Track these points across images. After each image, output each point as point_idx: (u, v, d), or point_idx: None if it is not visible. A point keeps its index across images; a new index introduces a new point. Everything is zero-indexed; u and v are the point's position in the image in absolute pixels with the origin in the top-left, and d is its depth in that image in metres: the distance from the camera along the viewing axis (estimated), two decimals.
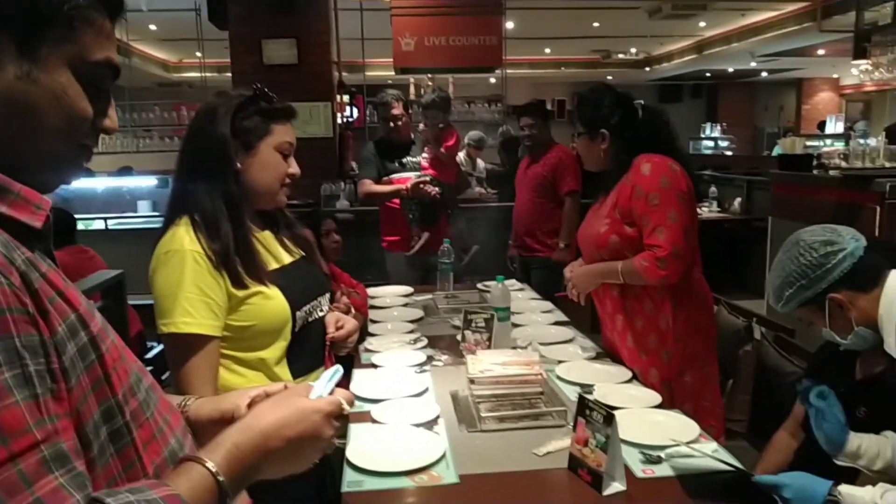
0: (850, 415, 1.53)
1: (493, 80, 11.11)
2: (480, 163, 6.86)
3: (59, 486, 0.61)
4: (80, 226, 4.46)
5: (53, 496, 0.60)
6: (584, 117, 2.24)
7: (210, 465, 0.76)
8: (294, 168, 1.61)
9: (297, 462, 0.87)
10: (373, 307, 2.96)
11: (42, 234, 0.71)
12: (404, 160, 3.94)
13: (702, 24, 10.22)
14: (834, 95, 15.31)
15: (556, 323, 2.70)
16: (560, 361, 2.19)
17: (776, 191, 5.33)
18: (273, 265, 1.58)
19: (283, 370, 1.56)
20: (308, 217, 2.86)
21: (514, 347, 2.24)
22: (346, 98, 6.26)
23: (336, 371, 0.97)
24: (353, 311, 1.89)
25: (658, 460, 1.54)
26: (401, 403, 1.88)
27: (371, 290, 3.16)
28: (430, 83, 8.31)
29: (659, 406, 1.86)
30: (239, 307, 1.48)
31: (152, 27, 9.15)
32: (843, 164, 4.86)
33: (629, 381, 2.06)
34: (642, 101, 2.28)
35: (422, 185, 3.77)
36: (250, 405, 0.98)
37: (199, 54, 8.84)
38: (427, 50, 6.20)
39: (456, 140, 4.07)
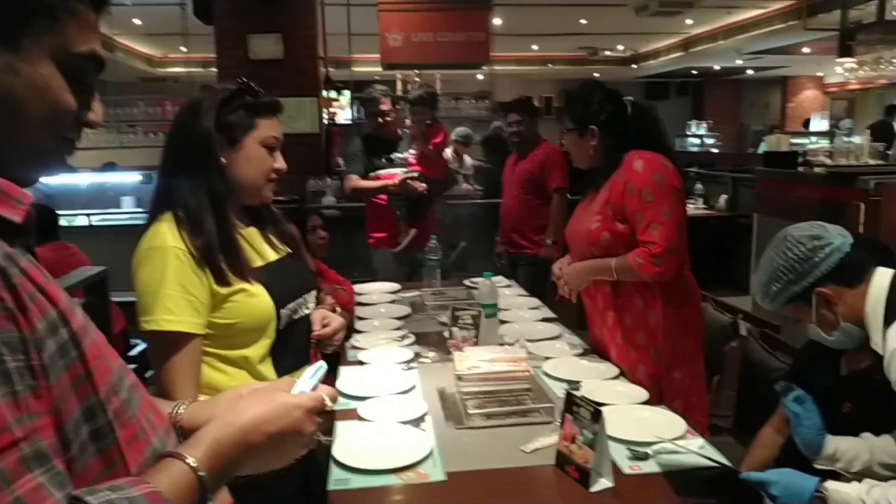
0: (836, 410, 1.54)
1: (480, 77, 11.15)
2: (468, 159, 6.85)
3: (39, 485, 0.60)
4: (63, 222, 4.42)
5: (33, 495, 0.59)
6: (574, 113, 2.22)
7: (190, 460, 0.75)
8: (280, 163, 1.59)
9: (279, 457, 0.87)
10: (359, 304, 2.95)
11: (23, 228, 0.69)
12: (392, 156, 3.93)
13: (688, 21, 10.26)
14: (819, 93, 15.47)
15: (544, 319, 2.70)
16: (547, 358, 2.19)
17: (762, 188, 5.36)
18: (258, 262, 1.56)
19: (268, 368, 1.54)
20: (294, 213, 2.84)
21: (502, 344, 2.23)
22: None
23: (319, 367, 0.96)
24: (338, 309, 1.87)
25: (645, 457, 1.54)
26: (388, 400, 1.87)
27: (357, 287, 3.14)
28: (417, 79, 8.31)
29: (646, 402, 1.87)
30: (222, 304, 1.46)
31: (136, 21, 9.07)
32: (828, 161, 4.91)
33: (616, 377, 2.07)
34: (632, 98, 2.27)
35: (409, 181, 3.76)
36: None
37: (183, 49, 8.79)
38: (414, 46, 6.18)
39: (443, 136, 4.06)
